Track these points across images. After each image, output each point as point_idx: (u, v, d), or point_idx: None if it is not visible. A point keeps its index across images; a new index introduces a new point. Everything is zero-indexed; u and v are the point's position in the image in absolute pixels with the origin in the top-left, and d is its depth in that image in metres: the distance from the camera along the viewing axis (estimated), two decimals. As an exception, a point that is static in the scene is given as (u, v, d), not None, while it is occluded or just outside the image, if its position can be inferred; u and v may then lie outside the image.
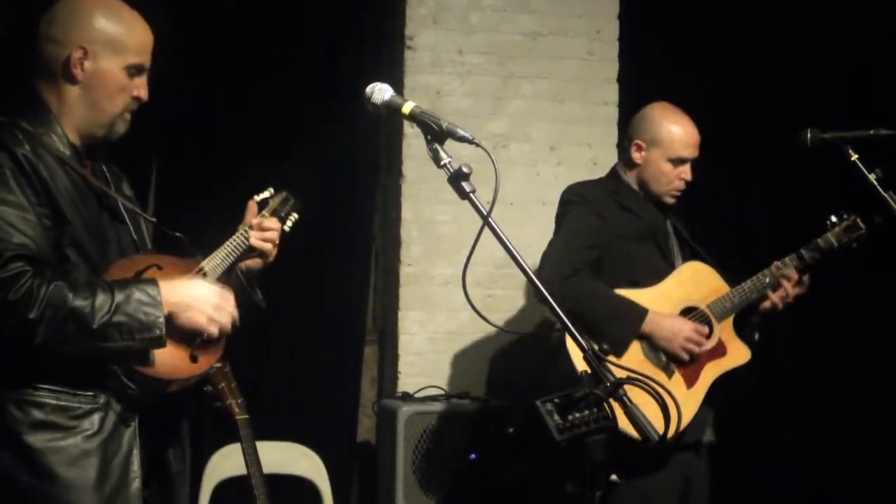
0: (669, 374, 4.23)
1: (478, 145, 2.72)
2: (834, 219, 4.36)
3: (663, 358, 4.24)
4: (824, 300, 4.62)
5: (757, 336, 4.45)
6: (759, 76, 5.90)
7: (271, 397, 5.08)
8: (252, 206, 3.34)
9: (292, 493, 5.09)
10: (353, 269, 5.69)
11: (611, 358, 2.64)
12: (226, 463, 4.84)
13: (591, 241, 4.34)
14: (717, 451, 4.50)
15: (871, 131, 4.20)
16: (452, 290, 5.59)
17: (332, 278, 5.54)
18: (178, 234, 3.19)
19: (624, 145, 4.60)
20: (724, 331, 4.37)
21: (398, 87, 5.45)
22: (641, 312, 4.21)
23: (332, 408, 5.51)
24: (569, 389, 2.61)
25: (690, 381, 4.26)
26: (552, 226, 5.72)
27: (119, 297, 2.84)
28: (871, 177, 4.12)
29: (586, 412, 2.58)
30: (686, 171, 4.45)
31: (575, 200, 4.48)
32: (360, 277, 5.75)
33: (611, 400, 2.59)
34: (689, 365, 4.26)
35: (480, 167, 2.80)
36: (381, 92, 2.83)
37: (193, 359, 3.04)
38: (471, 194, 2.70)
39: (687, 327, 4.24)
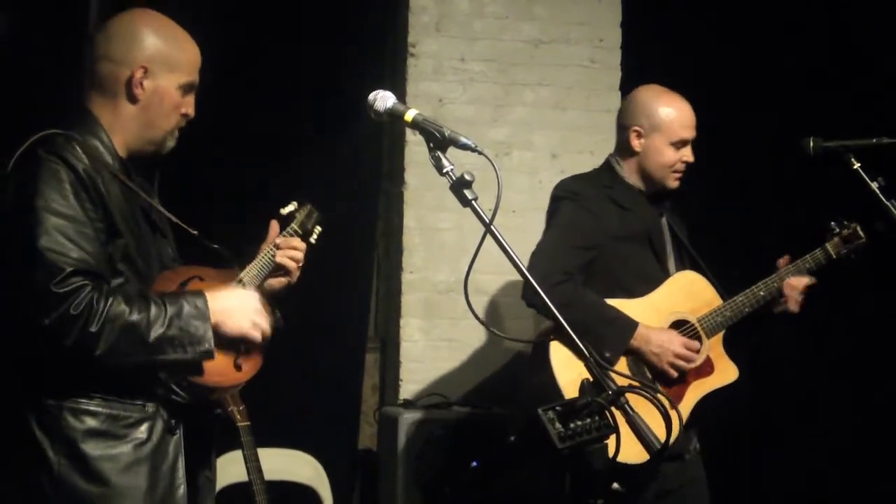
0: (656, 390, 4.08)
1: (480, 153, 2.72)
2: (834, 226, 4.30)
3: (648, 375, 4.10)
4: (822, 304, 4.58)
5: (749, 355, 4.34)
6: (762, 84, 5.91)
7: (273, 404, 5.07)
8: (274, 224, 3.38)
9: (294, 501, 5.09)
10: (356, 276, 5.69)
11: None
12: (227, 470, 4.83)
13: (582, 242, 4.19)
14: (710, 456, 4.41)
15: (874, 140, 4.19)
16: (454, 298, 5.60)
17: (334, 285, 5.53)
18: (215, 245, 3.25)
19: (619, 135, 4.42)
20: (714, 347, 4.22)
21: (401, 95, 5.44)
22: (631, 325, 4.06)
23: (333, 415, 5.51)
24: (571, 398, 2.60)
25: (675, 401, 4.08)
26: (554, 233, 5.75)
27: (171, 310, 2.92)
28: (874, 185, 4.12)
29: (588, 420, 2.58)
30: (688, 153, 4.30)
31: (566, 197, 4.31)
32: (362, 284, 5.75)
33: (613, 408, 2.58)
34: (673, 384, 4.12)
35: (482, 175, 2.80)
36: (383, 100, 2.84)
37: (238, 367, 3.13)
38: (473, 202, 2.70)
39: (677, 342, 4.10)
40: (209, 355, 2.98)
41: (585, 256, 4.18)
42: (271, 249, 3.31)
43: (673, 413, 2.60)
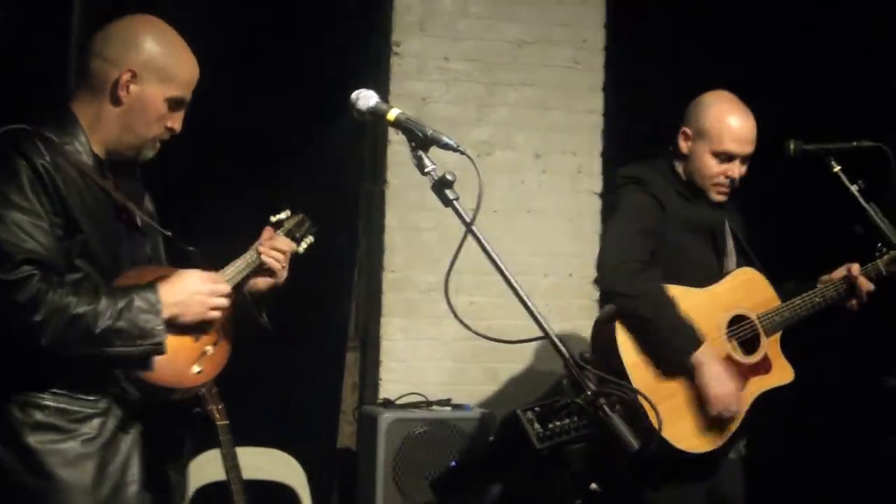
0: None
1: (462, 153, 2.72)
2: (881, 246, 4.23)
3: None
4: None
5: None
6: (746, 85, 5.91)
7: (251, 402, 5.06)
8: (267, 230, 3.40)
9: (272, 499, 5.08)
10: (337, 275, 5.69)
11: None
12: (205, 468, 4.82)
13: (648, 226, 4.07)
14: (750, 463, 4.35)
15: (854, 143, 4.20)
16: (435, 297, 5.59)
17: (314, 284, 5.52)
18: (191, 248, 3.25)
19: (677, 133, 4.29)
20: (771, 346, 4.16)
21: (384, 94, 5.45)
22: (697, 340, 3.94)
23: (312, 413, 5.51)
24: (550, 398, 2.60)
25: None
26: (536, 233, 5.76)
27: (121, 303, 2.92)
28: (853, 188, 4.13)
29: (567, 421, 2.58)
30: (733, 169, 4.16)
31: (627, 182, 4.19)
32: (343, 283, 5.74)
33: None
34: (736, 378, 4.01)
35: (465, 174, 2.80)
36: (366, 98, 2.83)
37: (199, 372, 3.13)
38: (454, 202, 2.70)
39: (733, 388, 3.96)
40: (159, 350, 2.97)
41: (652, 241, 4.10)
42: (255, 251, 3.31)
43: (653, 415, 2.60)
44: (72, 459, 2.95)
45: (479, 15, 5.78)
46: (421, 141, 2.74)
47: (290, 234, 3.45)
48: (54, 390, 2.95)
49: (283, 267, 3.37)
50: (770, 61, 5.98)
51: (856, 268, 4.21)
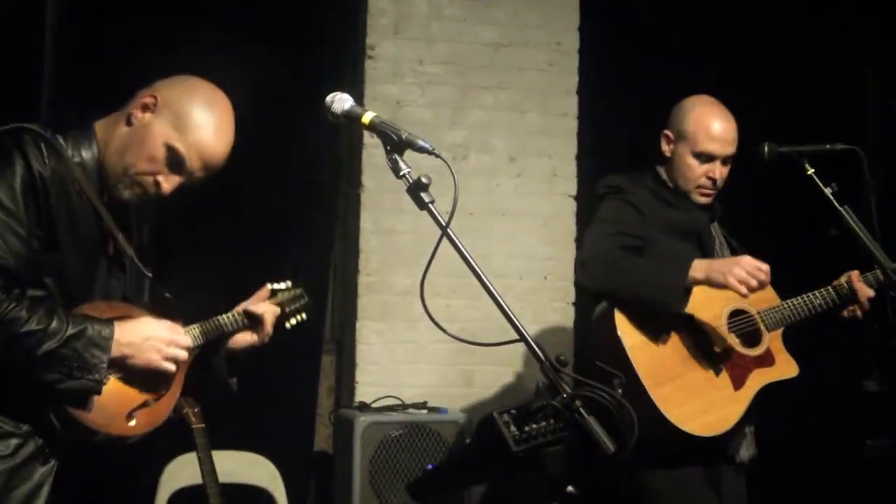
0: (717, 372, 4.02)
1: (437, 156, 2.72)
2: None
3: (711, 355, 4.02)
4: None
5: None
6: (720, 88, 5.94)
7: (227, 406, 5.04)
8: (263, 290, 3.37)
9: (248, 503, 5.07)
10: (312, 279, 5.68)
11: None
12: (181, 472, 4.81)
13: (627, 231, 4.07)
14: (757, 467, 4.33)
15: (828, 145, 4.22)
16: (411, 300, 5.59)
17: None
18: (167, 294, 3.16)
19: (657, 138, 4.30)
20: (774, 341, 4.15)
21: (358, 97, 5.45)
22: (684, 261, 3.93)
23: (288, 417, 5.50)
24: (526, 401, 2.61)
25: (738, 383, 4.04)
26: (512, 236, 5.77)
27: (71, 330, 2.81)
28: (827, 191, 4.14)
29: (543, 423, 2.58)
30: (714, 169, 4.18)
31: (607, 192, 4.20)
32: (319, 287, 5.73)
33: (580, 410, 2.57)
34: (739, 366, 4.04)
35: (440, 178, 2.80)
36: (340, 101, 2.82)
37: (129, 418, 3.00)
38: (429, 205, 2.69)
39: (747, 258, 3.90)
40: (95, 388, 2.85)
41: (631, 243, 4.07)
42: (241, 313, 3.26)
43: (631, 417, 2.60)
44: None
45: (453, 18, 5.79)
46: (396, 144, 2.73)
47: (282, 306, 3.39)
48: None
49: (271, 327, 3.31)
50: (746, 63, 6.00)
51: (856, 275, 4.21)
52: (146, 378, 2.99)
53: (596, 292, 4.10)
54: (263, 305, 3.31)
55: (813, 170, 4.18)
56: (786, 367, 4.19)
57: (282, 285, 3.41)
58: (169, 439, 4.65)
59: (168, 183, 2.98)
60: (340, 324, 5.84)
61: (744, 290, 3.88)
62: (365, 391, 5.52)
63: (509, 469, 2.74)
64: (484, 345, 5.28)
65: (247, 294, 3.39)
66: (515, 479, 2.83)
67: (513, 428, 2.57)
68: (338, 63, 5.67)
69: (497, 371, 5.70)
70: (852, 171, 4.17)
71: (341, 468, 5.19)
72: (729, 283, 3.87)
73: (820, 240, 4.36)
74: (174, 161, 2.98)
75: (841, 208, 4.14)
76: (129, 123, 2.99)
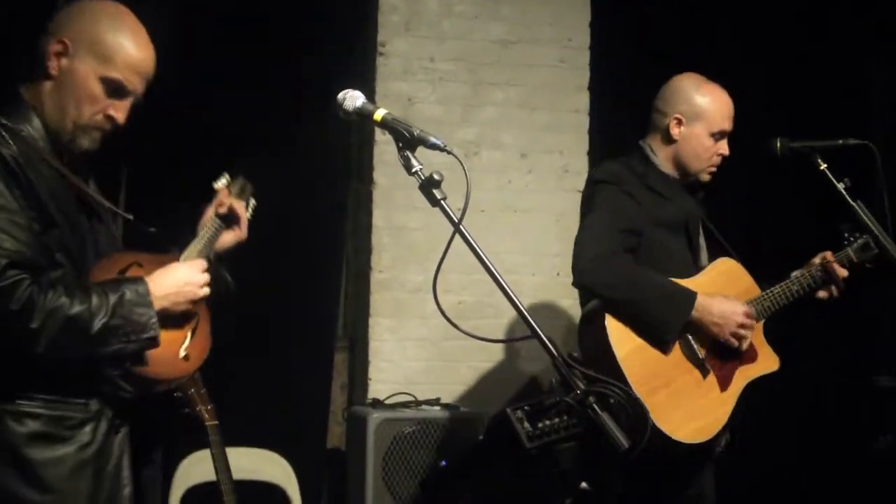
0: (704, 374, 4.01)
1: (449, 153, 2.72)
2: (848, 236, 4.28)
3: (700, 356, 4.01)
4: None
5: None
6: (730, 83, 5.94)
7: (241, 403, 5.06)
8: (222, 192, 3.30)
9: (262, 500, 5.08)
10: (324, 276, 5.69)
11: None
12: (195, 469, 4.82)
13: (626, 225, 4.06)
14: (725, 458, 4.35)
15: (840, 141, 4.21)
16: (423, 297, 5.60)
17: (302, 284, 5.53)
18: (151, 228, 3.14)
19: (657, 121, 4.26)
20: (756, 335, 4.14)
21: (370, 94, 5.43)
22: (690, 296, 3.96)
23: (302, 414, 5.51)
24: (539, 397, 2.61)
25: (724, 384, 4.06)
26: (523, 233, 5.77)
27: (113, 299, 2.82)
28: (840, 186, 4.14)
29: (556, 420, 2.58)
30: (724, 146, 4.21)
31: (606, 180, 4.16)
32: (331, 284, 5.75)
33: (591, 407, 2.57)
34: (724, 366, 4.05)
35: (451, 174, 2.80)
36: (352, 99, 2.83)
37: (185, 358, 3.06)
38: (442, 201, 2.70)
39: (739, 311, 4.01)
40: (154, 343, 2.89)
41: (630, 241, 4.08)
42: (213, 221, 3.21)
43: (645, 413, 2.61)
44: (71, 469, 2.85)
45: (464, 15, 5.79)
46: (408, 141, 2.73)
47: (240, 197, 3.35)
48: (45, 397, 2.84)
49: (246, 220, 3.28)
50: (758, 59, 5.99)
51: (830, 255, 4.24)
52: (179, 315, 3.03)
53: (597, 295, 4.05)
54: (229, 200, 3.26)
55: (825, 165, 4.18)
56: (768, 361, 4.20)
57: (223, 181, 3.35)
58: (183, 436, 4.69)
59: (119, 111, 2.95)
60: (353, 321, 5.85)
61: (736, 343, 4.02)
62: (378, 388, 5.53)
63: (523, 465, 2.74)
64: (496, 341, 5.29)
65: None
66: (529, 476, 2.83)
67: (526, 424, 2.57)
68: (349, 60, 5.67)
69: (510, 367, 5.70)
70: (865, 167, 4.17)
71: (354, 465, 5.19)
72: (725, 339, 4.00)
73: (832, 235, 4.34)
74: (114, 89, 2.93)
75: (854, 203, 4.14)
76: (49, 77, 2.90)
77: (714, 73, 4.25)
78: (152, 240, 3.16)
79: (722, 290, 4.11)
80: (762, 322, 4.20)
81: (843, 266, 4.23)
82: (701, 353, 4.03)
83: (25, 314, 2.70)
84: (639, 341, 3.94)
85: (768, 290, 4.21)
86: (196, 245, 3.18)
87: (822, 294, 4.27)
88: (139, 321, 2.85)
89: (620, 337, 3.93)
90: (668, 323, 3.94)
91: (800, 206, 5.75)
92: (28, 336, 2.72)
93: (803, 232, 5.56)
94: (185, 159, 5.11)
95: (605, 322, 3.93)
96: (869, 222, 4.16)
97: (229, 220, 3.26)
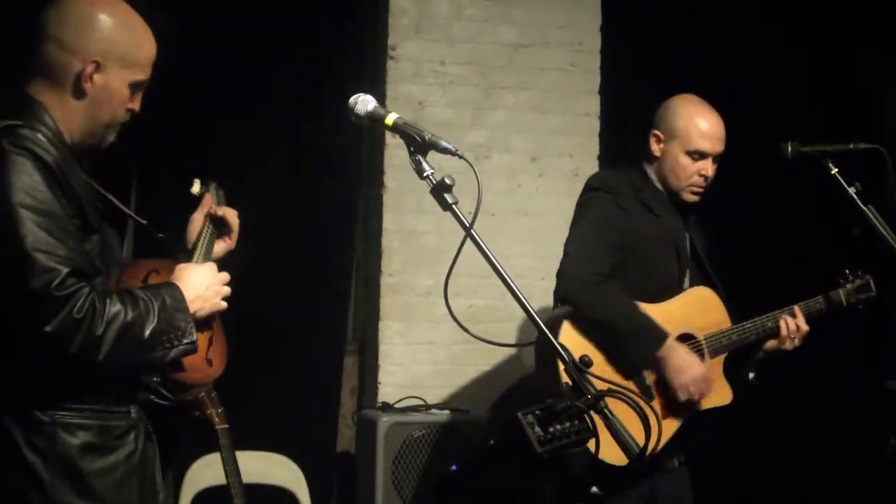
0: (649, 399, 4.02)
1: (460, 157, 2.72)
2: (848, 275, 4.35)
3: (648, 382, 4.06)
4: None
5: (752, 376, 4.28)
6: (741, 88, 5.94)
7: (251, 407, 5.06)
8: (207, 196, 3.27)
9: (271, 503, 5.08)
10: (334, 279, 5.69)
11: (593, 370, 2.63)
12: (205, 472, 4.83)
13: (614, 239, 4.11)
14: (695, 470, 4.36)
15: (851, 145, 4.21)
16: (433, 301, 5.59)
17: (312, 288, 5.54)
18: (161, 234, 3.14)
19: (647, 138, 4.32)
20: (713, 368, 4.16)
21: (380, 98, 5.43)
22: (661, 337, 4.01)
23: (311, 418, 5.51)
24: (550, 401, 2.60)
25: (666, 411, 4.08)
26: (533, 236, 5.77)
27: (156, 303, 2.80)
28: (851, 190, 4.13)
29: (567, 424, 2.57)
30: (706, 167, 4.20)
31: (602, 189, 4.22)
32: (341, 287, 5.75)
33: (592, 412, 2.57)
34: (669, 393, 4.05)
35: (462, 178, 2.80)
36: (364, 103, 2.82)
37: (209, 362, 3.08)
38: (453, 205, 2.69)
39: (700, 371, 4.04)
40: (194, 348, 2.87)
41: (618, 256, 4.11)
42: (208, 228, 3.18)
43: (653, 418, 2.60)
44: (120, 478, 2.84)
45: (474, 18, 5.79)
46: (419, 145, 2.72)
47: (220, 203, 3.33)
48: (92, 407, 2.82)
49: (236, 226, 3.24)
50: (767, 63, 5.99)
51: (797, 309, 4.29)
52: (202, 320, 2.99)
53: (579, 313, 4.06)
54: (219, 207, 3.23)
55: (836, 169, 4.17)
56: (720, 395, 4.21)
57: (196, 187, 3.31)
58: (193, 440, 4.69)
59: (137, 103, 2.98)
60: (363, 324, 5.85)
61: (682, 398, 4.04)
62: (387, 392, 5.53)
63: (533, 470, 2.74)
64: (507, 345, 5.29)
65: None
66: (540, 480, 2.83)
67: (537, 428, 2.56)
68: (359, 63, 5.67)
69: (520, 372, 5.69)
70: (876, 171, 4.16)
71: (364, 469, 5.19)
72: (675, 389, 4.02)
73: (843, 240, 4.33)
74: (139, 87, 2.96)
75: (865, 208, 4.13)
76: (81, 96, 2.88)
77: (724, 76, 4.26)
78: (160, 246, 3.16)
79: (691, 319, 4.17)
80: (723, 356, 4.24)
81: (811, 317, 4.28)
82: (650, 378, 4.07)
83: (88, 322, 2.67)
84: (593, 349, 3.97)
85: (738, 326, 4.25)
86: (198, 253, 3.16)
87: (770, 345, 4.31)
88: (180, 326, 2.84)
89: (571, 346, 3.91)
90: (633, 355, 4.01)
91: (810, 210, 5.74)
92: (92, 345, 2.68)
93: (814, 237, 5.58)
94: (193, 165, 5.11)
95: (561, 328, 3.98)
96: (880, 227, 4.15)
97: (220, 227, 3.23)
